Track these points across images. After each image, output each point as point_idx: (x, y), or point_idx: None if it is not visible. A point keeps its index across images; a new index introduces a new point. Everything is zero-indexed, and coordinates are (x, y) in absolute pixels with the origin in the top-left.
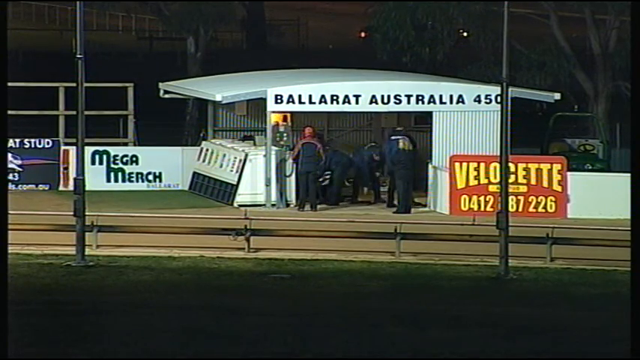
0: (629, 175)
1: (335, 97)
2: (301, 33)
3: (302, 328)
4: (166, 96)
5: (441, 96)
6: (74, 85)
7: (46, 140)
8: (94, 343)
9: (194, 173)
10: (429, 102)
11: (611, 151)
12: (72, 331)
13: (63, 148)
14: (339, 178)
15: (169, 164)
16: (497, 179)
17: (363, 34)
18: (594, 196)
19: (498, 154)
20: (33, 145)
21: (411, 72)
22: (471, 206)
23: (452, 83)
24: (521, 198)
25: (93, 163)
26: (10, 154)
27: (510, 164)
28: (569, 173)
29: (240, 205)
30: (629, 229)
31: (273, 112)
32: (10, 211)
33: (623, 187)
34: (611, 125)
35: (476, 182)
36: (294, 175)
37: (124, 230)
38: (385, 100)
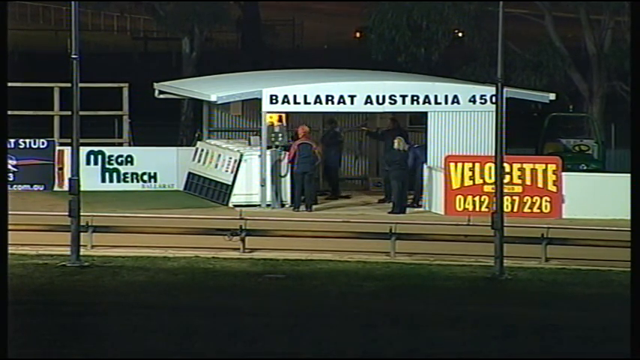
0: (623, 175)
1: (330, 98)
2: (296, 33)
3: (297, 329)
4: (161, 96)
5: (436, 96)
6: (69, 85)
7: (41, 140)
8: (90, 343)
9: (189, 173)
10: (424, 102)
11: (606, 152)
12: (67, 332)
13: (58, 148)
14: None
15: (164, 164)
16: (492, 179)
17: (358, 34)
18: (589, 197)
19: (493, 154)
20: (28, 146)
21: (406, 72)
22: (466, 206)
23: (447, 83)
24: (516, 198)
25: (88, 163)
26: None
27: (505, 164)
28: (564, 173)
29: (235, 206)
30: (624, 229)
31: (268, 112)
32: None
33: (618, 188)
34: (606, 125)
35: (471, 182)
36: (289, 176)
37: (119, 230)
38: (380, 101)
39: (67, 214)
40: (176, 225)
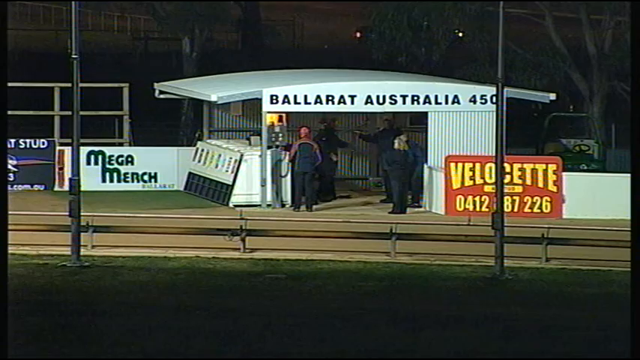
0: (624, 175)
1: (330, 98)
2: (297, 33)
3: (298, 329)
4: (162, 96)
5: (436, 96)
6: (69, 85)
7: (42, 140)
8: (90, 344)
9: (189, 173)
10: (425, 102)
11: (607, 152)
12: (67, 332)
13: (58, 148)
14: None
15: (165, 164)
16: (493, 179)
17: (358, 34)
18: (589, 197)
19: (494, 154)
20: (28, 146)
21: (406, 72)
22: (467, 206)
23: (447, 83)
24: (517, 198)
25: (88, 163)
26: None
27: (506, 164)
28: (564, 173)
29: (236, 206)
30: (625, 229)
31: (269, 112)
32: None
33: (619, 188)
34: (606, 125)
35: (471, 182)
36: (289, 176)
37: (120, 231)
38: (380, 101)
39: (67, 214)
40: (176, 225)
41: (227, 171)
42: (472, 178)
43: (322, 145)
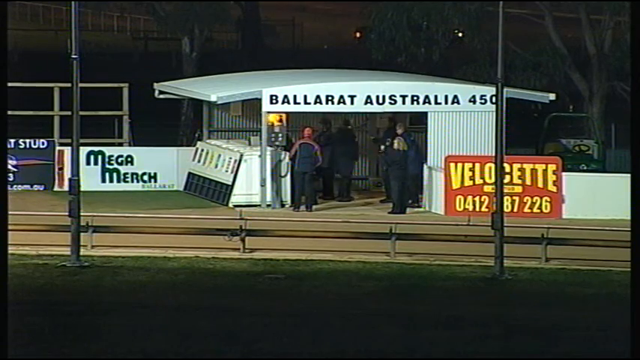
0: (624, 175)
1: (330, 98)
2: (296, 33)
3: (297, 329)
4: (161, 96)
5: (436, 96)
6: (69, 85)
7: (41, 141)
8: (90, 343)
9: (189, 174)
10: (424, 102)
11: (606, 152)
12: (67, 331)
13: (58, 148)
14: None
15: (164, 165)
16: (493, 180)
17: (358, 35)
18: (589, 197)
19: (493, 154)
20: (28, 146)
21: (406, 72)
22: (466, 207)
23: (447, 83)
24: (516, 198)
25: (88, 163)
26: None
27: (505, 164)
28: (564, 173)
29: (236, 206)
30: (624, 229)
31: (269, 112)
32: None
33: (618, 188)
34: (606, 125)
35: (471, 183)
36: (289, 176)
37: (119, 231)
38: (380, 101)
39: (67, 214)
40: (176, 225)
41: (227, 171)
42: (472, 178)
43: (345, 146)
